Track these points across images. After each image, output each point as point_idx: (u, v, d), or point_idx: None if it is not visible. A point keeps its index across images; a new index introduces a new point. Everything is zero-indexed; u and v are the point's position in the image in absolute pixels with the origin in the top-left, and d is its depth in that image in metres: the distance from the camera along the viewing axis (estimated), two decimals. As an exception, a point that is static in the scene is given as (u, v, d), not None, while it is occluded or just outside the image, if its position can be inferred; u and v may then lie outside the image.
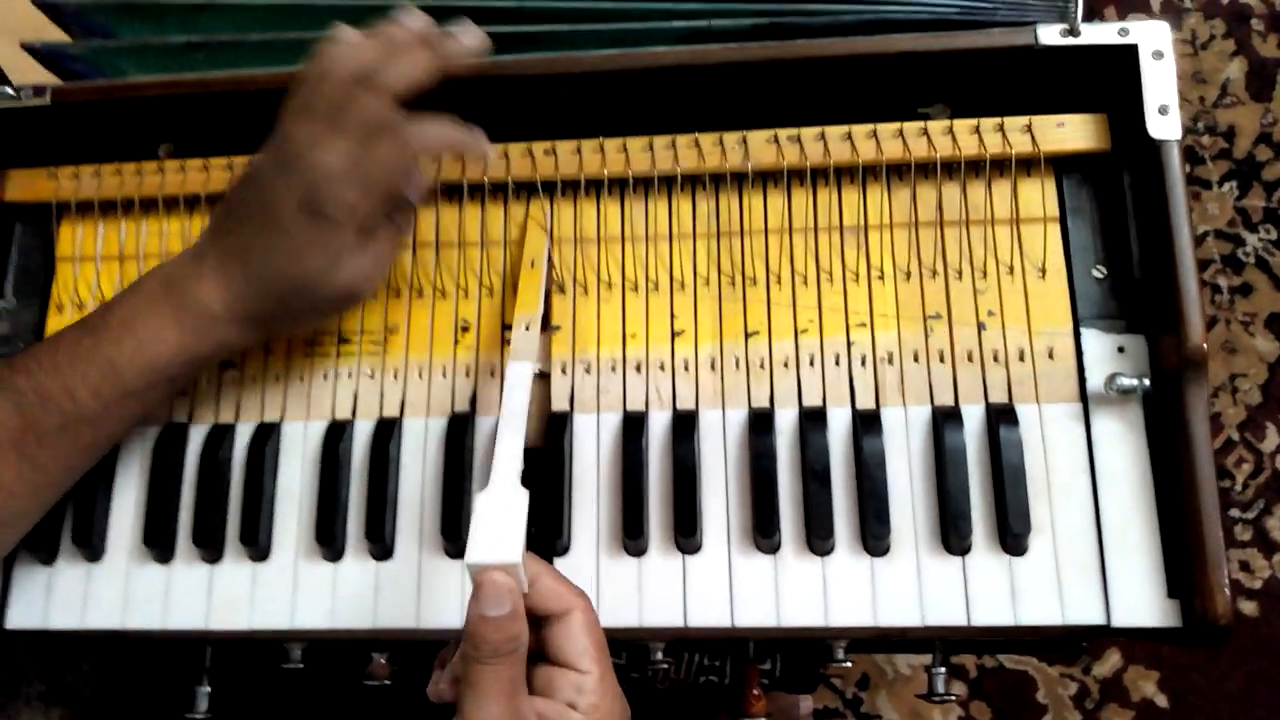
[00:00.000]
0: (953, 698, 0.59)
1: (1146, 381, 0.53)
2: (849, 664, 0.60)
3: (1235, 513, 1.07)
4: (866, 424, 0.54)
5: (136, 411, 0.53)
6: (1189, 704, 1.04)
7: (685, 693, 0.95)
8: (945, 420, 0.54)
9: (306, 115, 0.49)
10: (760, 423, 0.55)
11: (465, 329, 0.58)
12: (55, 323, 0.61)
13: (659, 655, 0.60)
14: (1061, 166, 0.58)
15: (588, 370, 0.57)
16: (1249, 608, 1.06)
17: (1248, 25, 1.17)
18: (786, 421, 0.55)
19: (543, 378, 0.58)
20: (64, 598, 0.56)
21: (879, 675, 1.06)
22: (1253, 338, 1.10)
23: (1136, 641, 1.05)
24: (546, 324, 0.59)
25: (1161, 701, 1.04)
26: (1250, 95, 1.15)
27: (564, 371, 0.57)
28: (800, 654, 0.67)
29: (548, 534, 0.54)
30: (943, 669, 0.59)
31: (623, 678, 0.81)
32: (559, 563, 0.54)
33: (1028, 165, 0.57)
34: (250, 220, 0.50)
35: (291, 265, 0.50)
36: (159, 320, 0.50)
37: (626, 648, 0.61)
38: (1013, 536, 0.52)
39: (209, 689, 0.62)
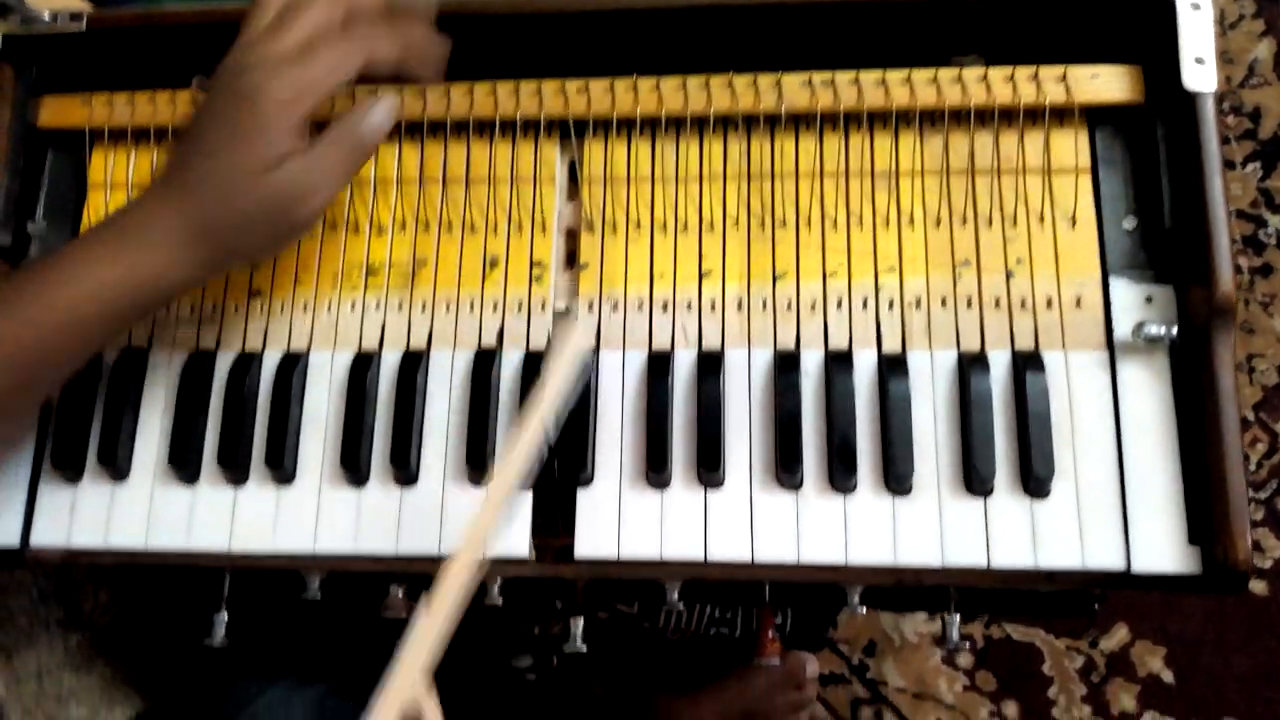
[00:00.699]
0: (965, 644, 0.59)
1: (1174, 330, 0.53)
2: (863, 610, 0.60)
3: (1249, 493, 1.07)
4: (892, 367, 0.54)
5: (80, 346, 0.51)
6: (1195, 681, 1.04)
7: (696, 644, 0.95)
8: (971, 365, 0.54)
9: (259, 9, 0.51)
10: (786, 363, 0.55)
11: (494, 264, 0.59)
12: (85, 249, 0.61)
13: (675, 597, 0.61)
14: (1095, 117, 0.57)
15: (614, 308, 0.57)
16: (1259, 587, 1.07)
17: (1278, 5, 1.16)
18: (812, 363, 0.55)
19: (569, 316, 0.58)
20: (88, 517, 0.57)
21: (886, 642, 1.06)
22: (1271, 319, 1.10)
23: (1145, 618, 1.05)
24: (574, 261, 0.59)
25: (1168, 678, 1.04)
26: (1278, 76, 1.15)
27: (590, 309, 0.57)
28: (814, 604, 0.68)
29: (572, 467, 0.55)
30: (957, 615, 0.60)
31: (634, 628, 0.82)
32: (581, 494, 0.55)
33: (1061, 115, 0.57)
34: (191, 137, 0.51)
35: (228, 169, 0.49)
36: (100, 252, 0.50)
37: (643, 589, 0.61)
38: (1035, 480, 0.52)
39: (226, 617, 0.63)
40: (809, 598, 0.65)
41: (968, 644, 0.56)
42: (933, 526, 0.53)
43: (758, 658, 0.62)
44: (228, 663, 0.65)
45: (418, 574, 0.61)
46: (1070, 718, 1.03)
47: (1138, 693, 1.04)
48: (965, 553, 0.52)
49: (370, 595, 0.63)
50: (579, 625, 0.61)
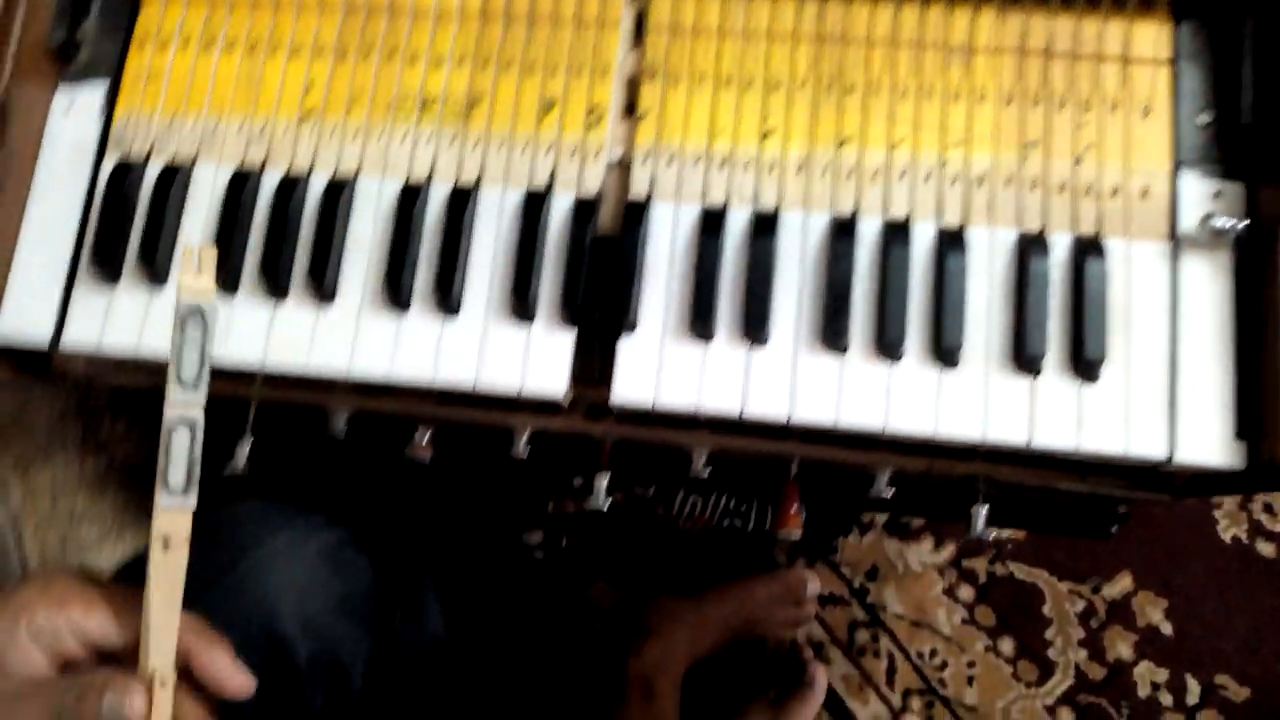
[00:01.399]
0: (990, 535, 0.59)
1: (1241, 224, 0.52)
2: (889, 493, 0.60)
3: (1266, 454, 1.06)
4: (951, 240, 0.53)
5: None
6: (1193, 635, 1.04)
7: (706, 538, 0.95)
8: (1031, 245, 0.53)
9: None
10: (843, 229, 0.54)
11: (550, 107, 0.57)
12: (135, 60, 0.60)
13: (700, 463, 0.61)
14: (1180, 9, 0.56)
15: (669, 161, 0.56)
16: (1268, 550, 1.06)
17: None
18: (869, 231, 0.54)
19: (623, 166, 0.57)
20: (123, 320, 0.56)
21: (889, 568, 1.06)
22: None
23: (1150, 569, 1.05)
24: (632, 111, 0.58)
25: (1167, 630, 1.05)
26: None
27: (645, 160, 0.56)
28: (837, 494, 0.67)
29: (615, 314, 0.54)
30: (985, 506, 0.59)
31: (648, 514, 0.81)
32: (624, 340, 0.54)
33: (1148, 4, 0.56)
34: None
35: None
36: None
37: (668, 460, 0.60)
38: (1086, 363, 0.51)
39: (249, 445, 0.62)
40: (832, 487, 0.65)
41: (992, 536, 0.56)
42: (977, 401, 0.52)
43: (778, 529, 0.61)
44: (243, 498, 0.65)
45: (444, 420, 0.61)
46: (1065, 659, 1.04)
47: (1135, 642, 1.04)
48: (1007, 430, 0.52)
49: (395, 438, 0.63)
50: (604, 481, 0.61)
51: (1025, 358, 0.52)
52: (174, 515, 0.42)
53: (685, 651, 0.95)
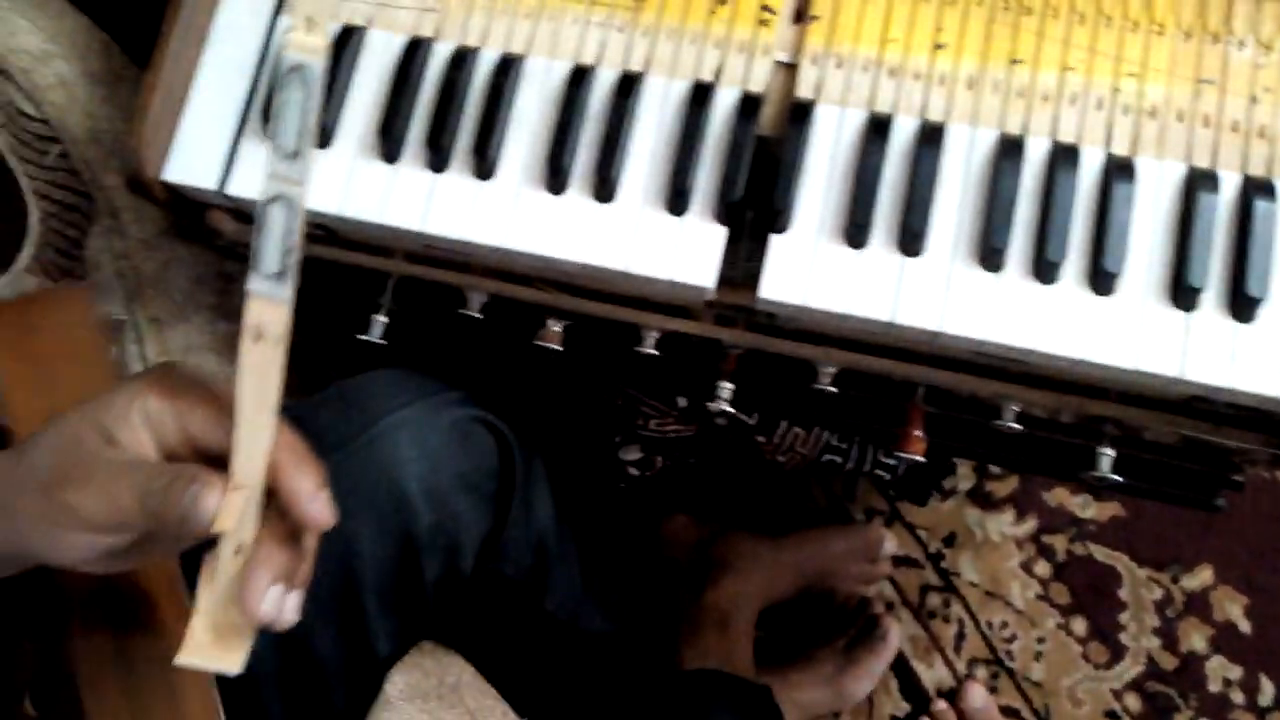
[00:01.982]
0: (1118, 480, 0.58)
1: None
2: (1017, 427, 0.60)
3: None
4: (1120, 169, 0.53)
5: None
6: (1272, 636, 1.03)
7: (806, 472, 0.96)
8: (1200, 180, 0.52)
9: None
10: (1011, 147, 0.54)
11: (723, 2, 0.58)
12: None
13: (826, 379, 0.61)
14: (1377, -42, 0.55)
15: (838, 65, 0.56)
16: (1356, 557, 1.04)
17: None
18: (1036, 152, 0.54)
19: (789, 67, 0.57)
20: (287, 177, 0.57)
21: (967, 535, 1.06)
22: None
23: (1232, 564, 1.04)
24: (804, 14, 0.58)
25: (1245, 627, 1.03)
26: None
27: (814, 62, 0.56)
28: (963, 416, 0.67)
29: (768, 213, 0.54)
30: (1110, 450, 0.59)
31: (746, 442, 0.82)
32: (776, 239, 0.54)
33: (1343, -51, 0.55)
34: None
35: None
36: None
37: (794, 368, 0.61)
38: (1245, 300, 0.51)
39: (386, 318, 0.64)
40: (964, 407, 0.65)
41: (1119, 480, 0.55)
42: (1130, 331, 0.52)
43: (898, 449, 0.61)
44: (377, 366, 0.66)
45: (577, 312, 0.62)
46: (1137, 645, 1.03)
47: (1211, 636, 1.03)
48: (1158, 362, 0.51)
49: (527, 325, 0.64)
50: (728, 388, 0.61)
51: (1183, 291, 0.51)
52: (266, 305, 0.38)
53: (761, 591, 0.95)
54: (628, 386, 0.78)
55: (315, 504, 0.40)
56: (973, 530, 1.06)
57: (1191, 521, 1.06)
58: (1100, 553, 1.06)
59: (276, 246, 0.38)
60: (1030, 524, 1.06)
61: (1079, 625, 1.04)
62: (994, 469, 1.06)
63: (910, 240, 0.53)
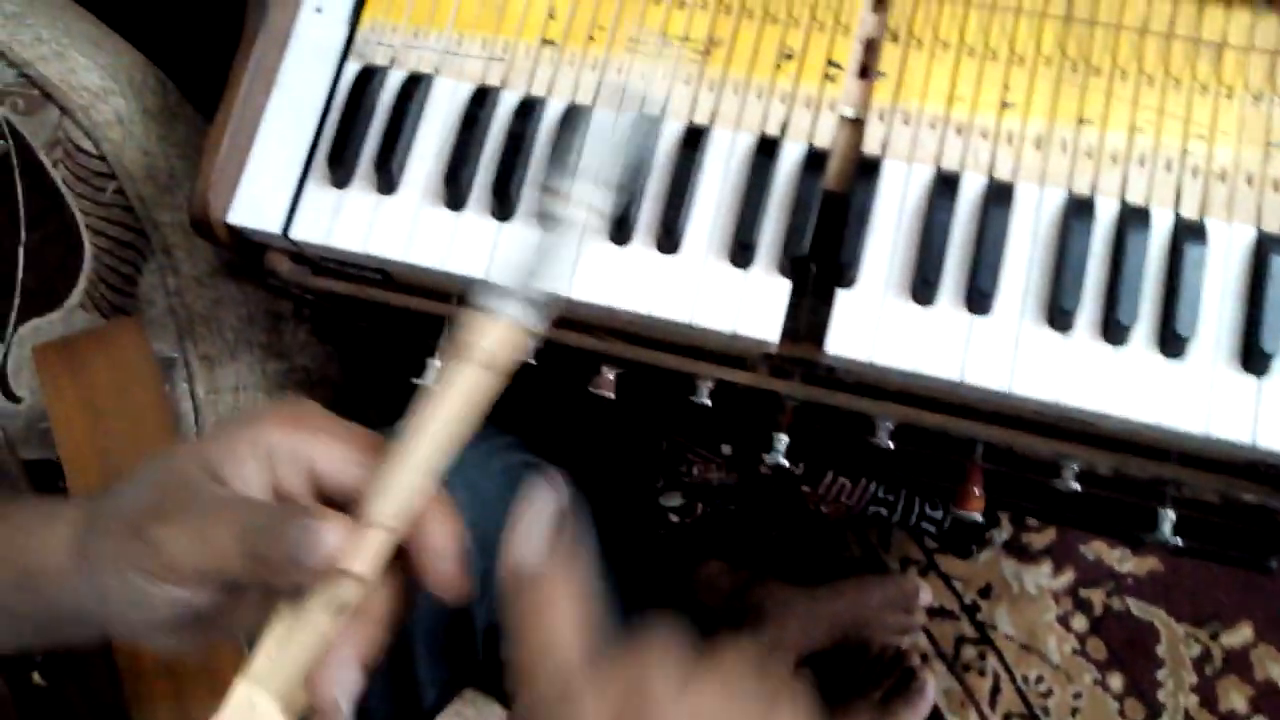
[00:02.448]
0: (1177, 542, 0.58)
1: None
2: (1077, 487, 0.59)
3: None
4: (1190, 231, 0.53)
5: None
6: (1312, 697, 1.01)
7: (850, 523, 0.95)
8: (1271, 244, 0.52)
9: None
10: (1081, 208, 0.53)
11: (789, 57, 0.58)
12: None
13: (884, 434, 0.60)
14: None
15: (905, 121, 0.56)
16: (1399, 618, 1.03)
17: None
18: (1105, 213, 0.54)
19: (858, 123, 0.57)
20: (351, 221, 0.58)
21: (1004, 588, 1.05)
22: None
23: (1274, 624, 1.02)
24: (870, 70, 0.58)
25: (1285, 687, 1.01)
26: None
27: (880, 118, 0.56)
28: (1022, 474, 0.66)
29: (836, 267, 0.54)
30: (1172, 511, 0.58)
31: (793, 490, 0.81)
32: (842, 295, 0.54)
33: None
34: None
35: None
36: None
37: (851, 422, 0.60)
38: (1322, 368, 0.50)
39: (440, 362, 0.63)
40: (1022, 466, 0.64)
41: (1178, 544, 0.54)
42: (1202, 395, 0.51)
43: (957, 508, 0.60)
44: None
45: (632, 360, 0.61)
46: (1175, 703, 1.01)
47: (1251, 695, 1.01)
48: (1232, 428, 0.51)
49: (580, 373, 0.63)
50: (784, 440, 0.61)
51: (1255, 356, 0.51)
52: (508, 331, 0.34)
53: (797, 640, 0.94)
54: (678, 435, 0.77)
55: (452, 565, 0.36)
56: (1009, 582, 1.05)
57: (1231, 578, 1.04)
58: (1138, 608, 1.04)
59: (547, 265, 0.34)
60: (1068, 577, 1.05)
61: (1116, 681, 1.03)
62: (1031, 521, 1.05)
63: (979, 299, 0.53)
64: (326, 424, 0.37)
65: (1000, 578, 1.05)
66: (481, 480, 0.61)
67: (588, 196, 0.35)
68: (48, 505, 0.39)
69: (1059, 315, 0.52)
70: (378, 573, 0.35)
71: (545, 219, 0.35)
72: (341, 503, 0.36)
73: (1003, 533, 1.06)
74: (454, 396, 0.35)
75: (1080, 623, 1.04)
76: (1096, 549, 1.05)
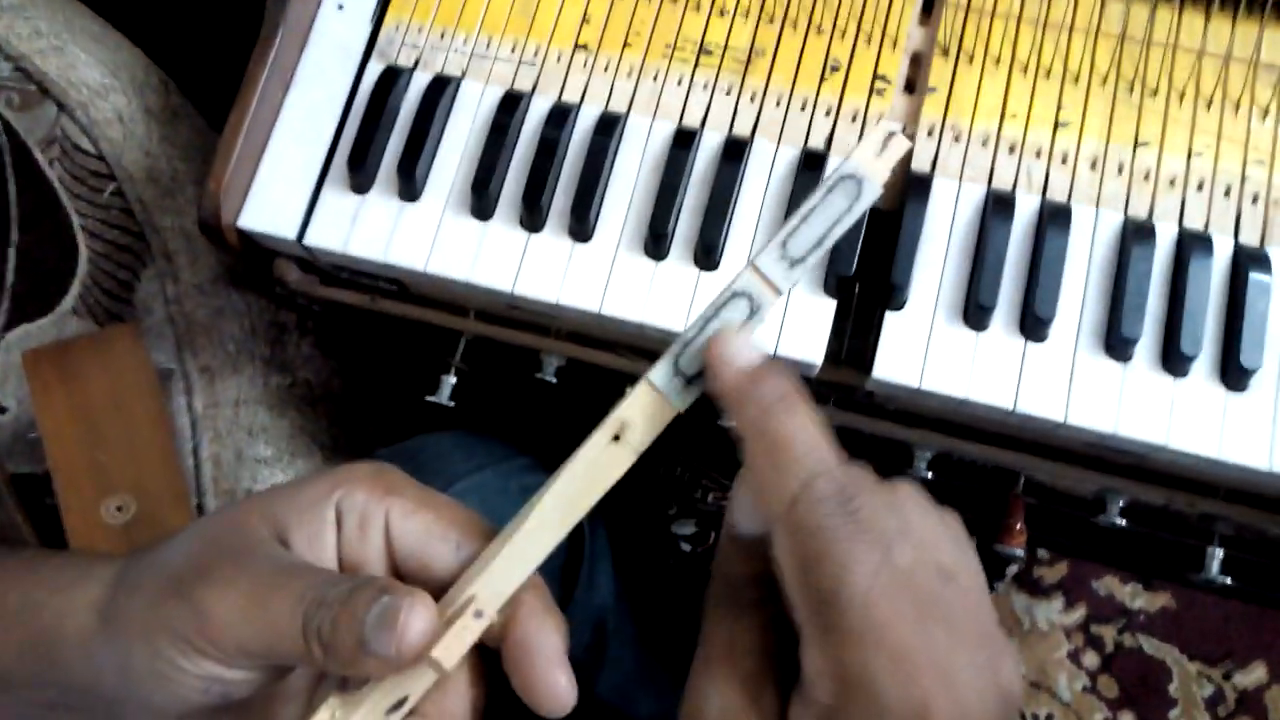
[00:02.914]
0: (1225, 581, 0.55)
1: None
2: (1122, 523, 0.57)
3: None
4: (1253, 259, 0.51)
5: None
6: (1326, 740, 0.99)
7: None
8: (1337, 275, 0.50)
9: None
10: (1140, 233, 0.51)
11: (835, 69, 0.56)
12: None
13: (922, 464, 0.58)
14: None
15: (956, 139, 0.54)
16: None
17: None
18: (1164, 237, 0.52)
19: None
20: (371, 228, 0.54)
21: (1014, 624, 1.02)
22: None
23: (1286, 662, 1.00)
24: (918, 85, 0.56)
25: (1298, 729, 0.99)
26: None
27: (930, 134, 0.54)
28: (1062, 509, 0.64)
29: (885, 291, 0.52)
30: (1220, 549, 0.56)
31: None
32: (891, 317, 0.52)
33: None
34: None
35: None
36: None
37: (888, 450, 0.58)
38: (1392, 405, 0.48)
39: (455, 379, 0.60)
40: (1062, 502, 0.62)
41: (1225, 582, 0.52)
42: (1265, 430, 0.49)
43: (999, 544, 0.58)
44: (444, 429, 0.63)
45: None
46: (1188, 744, 0.99)
47: (1263, 737, 0.99)
48: (1296, 463, 0.49)
49: (601, 393, 0.61)
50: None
51: (1323, 391, 0.49)
52: (652, 402, 0.31)
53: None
54: (695, 460, 0.74)
55: (559, 674, 0.30)
56: (1020, 617, 1.03)
57: (1244, 615, 1.02)
58: (1150, 645, 1.02)
59: (706, 341, 0.32)
60: (1079, 613, 1.03)
61: (1127, 720, 1.00)
62: (1042, 553, 1.03)
63: (1035, 324, 0.50)
64: (413, 490, 0.33)
65: (1010, 612, 1.03)
66: (500, 502, 0.58)
67: (766, 265, 0.32)
68: (83, 560, 0.34)
69: (1119, 344, 0.50)
70: (457, 668, 0.30)
71: (732, 294, 0.32)
72: (419, 583, 0.31)
73: (1013, 565, 1.03)
74: (575, 472, 0.31)
75: (1091, 659, 1.02)
76: (1108, 584, 1.03)
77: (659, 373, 0.32)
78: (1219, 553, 0.56)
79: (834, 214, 0.32)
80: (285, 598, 0.29)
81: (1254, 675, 1.01)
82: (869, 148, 0.32)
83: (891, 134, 0.32)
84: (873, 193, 0.32)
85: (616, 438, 0.32)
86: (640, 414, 0.32)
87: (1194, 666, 1.01)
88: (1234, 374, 0.49)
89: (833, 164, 0.54)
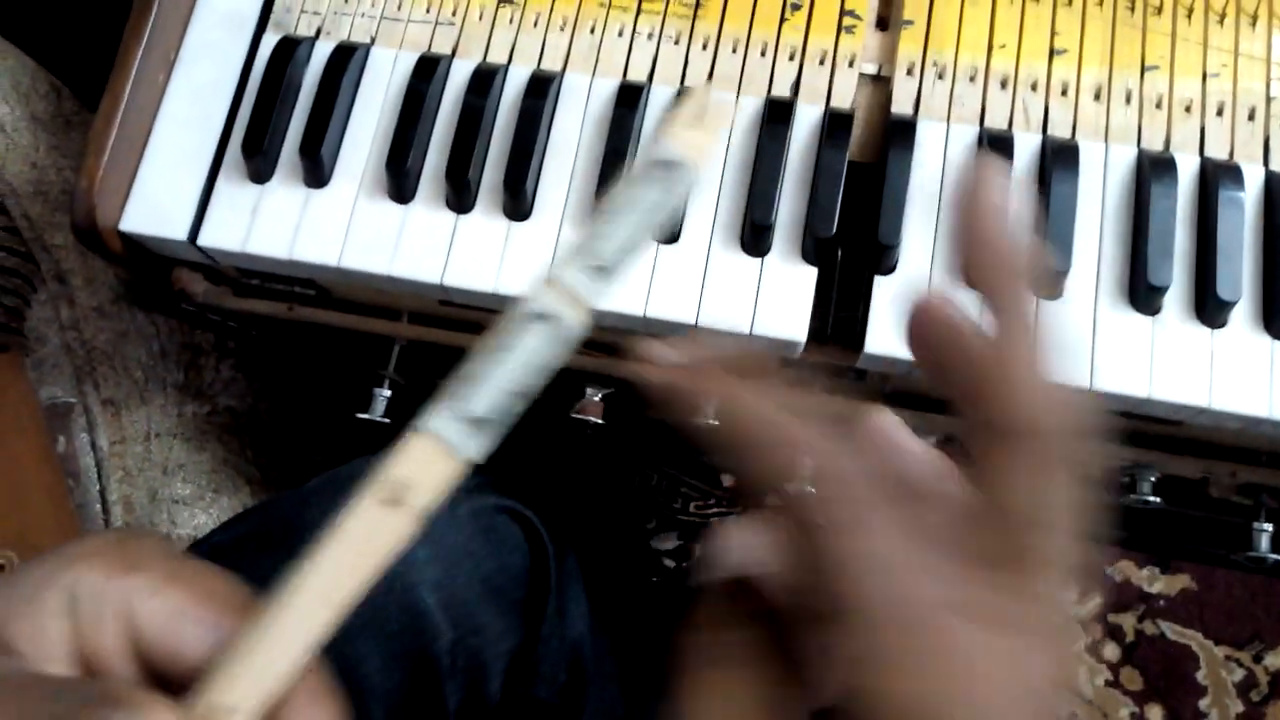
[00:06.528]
0: (1277, 558, 0.49)
1: None
2: (1155, 500, 0.50)
3: None
4: (1288, 187, 0.44)
5: None
6: (1366, 718, 0.93)
7: None
8: (1386, 199, 0.44)
9: None
10: (1158, 167, 0.45)
11: (796, 7, 0.49)
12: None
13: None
14: None
15: (940, 76, 0.47)
16: None
17: None
18: (1185, 171, 0.45)
19: (881, 80, 0.48)
20: (273, 222, 0.47)
21: (1027, 618, 0.95)
22: None
23: (1317, 639, 0.94)
24: (887, 22, 0.49)
25: (1337, 709, 0.93)
26: None
27: (910, 73, 0.47)
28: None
29: (873, 253, 0.45)
30: (1269, 527, 0.49)
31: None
32: (882, 282, 0.45)
33: None
34: None
35: None
36: None
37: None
38: None
39: (389, 392, 0.53)
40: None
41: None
42: (1322, 382, 0.42)
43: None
44: (375, 449, 0.55)
45: (620, 379, 0.52)
46: (1221, 734, 0.92)
47: (1301, 720, 0.93)
48: (1360, 419, 0.42)
49: (561, 397, 0.53)
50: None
51: (1383, 332, 0.42)
52: (436, 457, 0.26)
53: (812, 693, 0.84)
54: (672, 466, 0.67)
55: None
56: (1032, 611, 0.96)
57: (1269, 592, 0.96)
58: (1173, 631, 0.95)
59: (508, 381, 0.26)
60: (1094, 602, 0.96)
61: (1155, 714, 0.93)
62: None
63: (1048, 281, 0.43)
64: (161, 563, 0.27)
65: (1023, 607, 0.96)
66: (445, 531, 0.50)
67: (574, 284, 0.26)
68: None
69: (1146, 294, 0.43)
70: None
71: (528, 317, 0.26)
72: (179, 680, 0.26)
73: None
74: (344, 541, 0.25)
75: (1112, 651, 0.95)
76: (1124, 568, 0.97)
77: (442, 419, 0.26)
78: (1269, 527, 0.50)
79: (649, 207, 0.26)
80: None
81: (1285, 655, 0.94)
82: (684, 120, 0.26)
83: (701, 94, 0.27)
84: (693, 176, 0.26)
85: (394, 502, 0.25)
86: (422, 471, 0.25)
87: (1221, 651, 0.95)
88: (1277, 321, 0.43)
89: (801, 114, 0.47)
